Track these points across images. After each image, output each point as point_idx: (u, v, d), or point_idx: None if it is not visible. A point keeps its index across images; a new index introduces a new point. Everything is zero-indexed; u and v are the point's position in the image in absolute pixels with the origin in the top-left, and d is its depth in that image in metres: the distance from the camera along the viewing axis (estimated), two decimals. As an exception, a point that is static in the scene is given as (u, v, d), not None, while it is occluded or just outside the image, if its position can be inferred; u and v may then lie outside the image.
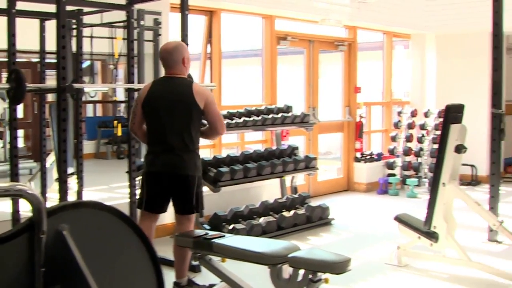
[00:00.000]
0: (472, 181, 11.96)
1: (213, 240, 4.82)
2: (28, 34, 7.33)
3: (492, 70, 7.70)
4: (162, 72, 7.81)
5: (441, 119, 7.16)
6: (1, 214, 6.37)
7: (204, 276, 5.99)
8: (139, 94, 5.71)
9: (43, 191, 7.20)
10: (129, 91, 6.84)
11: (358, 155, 11.53)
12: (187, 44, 6.04)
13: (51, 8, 5.60)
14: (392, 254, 6.81)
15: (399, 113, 12.01)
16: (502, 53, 7.74)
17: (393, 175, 11.46)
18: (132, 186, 6.90)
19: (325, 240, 8.07)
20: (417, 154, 11.69)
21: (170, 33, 8.00)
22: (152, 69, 8.20)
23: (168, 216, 7.67)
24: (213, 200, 7.75)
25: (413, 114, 11.89)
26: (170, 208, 5.86)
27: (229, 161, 8.03)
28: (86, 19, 7.28)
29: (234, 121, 8.01)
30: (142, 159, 7.88)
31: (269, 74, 9.87)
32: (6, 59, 5.86)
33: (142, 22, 7.87)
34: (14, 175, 5.91)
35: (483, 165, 11.24)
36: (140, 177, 7.80)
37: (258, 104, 9.49)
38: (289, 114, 8.83)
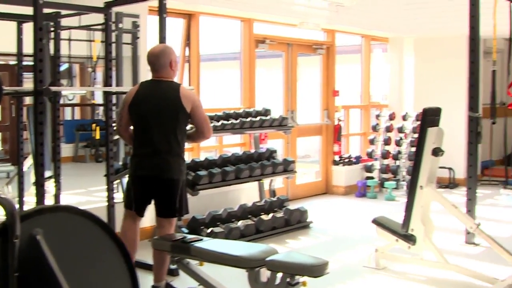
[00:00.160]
0: (450, 183, 12.02)
1: (191, 244, 4.82)
2: (5, 37, 7.30)
3: (469, 74, 7.74)
4: (141, 75, 7.85)
5: (419, 122, 7.19)
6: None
7: (182, 280, 5.97)
8: (126, 96, 5.71)
9: (20, 195, 7.15)
10: (107, 94, 6.81)
11: (337, 158, 11.55)
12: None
13: (29, 10, 5.57)
14: (370, 257, 6.83)
15: (377, 116, 12.05)
16: (479, 56, 7.79)
17: (371, 178, 11.48)
18: (110, 190, 6.86)
19: (304, 243, 8.07)
20: (395, 157, 11.74)
21: (149, 36, 7.98)
22: (131, 72, 8.16)
23: (146, 220, 7.65)
24: (191, 204, 7.65)
25: (391, 117, 11.93)
26: (149, 211, 5.86)
27: (207, 165, 8.02)
28: (64, 21, 7.25)
29: (212, 125, 8.00)
30: (120, 162, 7.90)
31: (247, 77, 9.87)
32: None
33: (120, 25, 7.84)
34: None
35: (460, 168, 11.30)
36: (118, 181, 7.84)
37: (236, 107, 9.48)
38: (268, 117, 8.83)
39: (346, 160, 11.55)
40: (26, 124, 7.70)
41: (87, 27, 7.99)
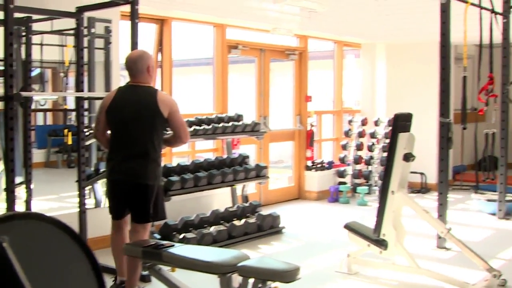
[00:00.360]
0: (422, 188, 12.09)
1: (162, 250, 4.80)
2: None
3: (440, 80, 7.78)
4: (114, 80, 7.81)
5: (391, 128, 7.22)
6: None
7: (154, 286, 5.97)
8: (104, 101, 5.73)
9: (-9, 201, 7.09)
10: (79, 100, 6.78)
11: (309, 163, 11.57)
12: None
13: (-1, 15, 5.54)
14: (342, 262, 6.85)
15: (350, 121, 12.09)
16: (449, 63, 7.83)
17: (344, 183, 11.52)
18: (81, 196, 6.83)
19: (276, 248, 8.07)
20: (368, 163, 11.79)
21: (121, 41, 7.95)
22: (103, 77, 8.13)
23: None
24: (164, 209, 7.71)
25: (364, 122, 11.98)
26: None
27: (179, 170, 8.01)
28: (36, 26, 7.20)
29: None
30: (92, 168, 7.86)
31: (220, 82, 9.87)
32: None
33: (93, 30, 7.80)
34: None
35: (432, 173, 11.37)
36: (89, 186, 7.80)
37: (209, 112, 9.48)
38: (240, 123, 8.84)
39: (319, 165, 11.58)
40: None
41: (59, 32, 7.94)
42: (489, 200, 10.00)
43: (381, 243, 6.48)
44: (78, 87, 6.80)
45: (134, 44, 6.51)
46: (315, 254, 7.74)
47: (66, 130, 8.76)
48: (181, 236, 7.46)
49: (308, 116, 11.64)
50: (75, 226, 6.77)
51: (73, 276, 2.68)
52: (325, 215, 10.25)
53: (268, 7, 9.92)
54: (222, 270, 4.48)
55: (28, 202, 6.75)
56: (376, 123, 11.99)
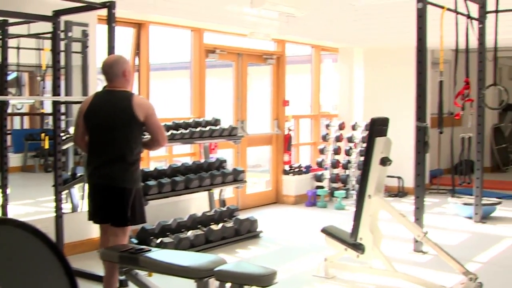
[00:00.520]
0: (399, 192, 12.14)
1: (139, 254, 4.79)
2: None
3: (416, 84, 7.82)
4: (91, 84, 7.79)
5: (368, 132, 7.24)
6: None
7: (131, 291, 5.94)
8: (81, 106, 5.74)
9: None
10: (55, 104, 6.76)
11: (287, 167, 11.59)
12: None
13: (-26, 19, 5.51)
14: (320, 266, 6.86)
15: (327, 126, 12.13)
16: (426, 67, 7.88)
17: (321, 187, 11.55)
18: (58, 200, 6.81)
19: (253, 253, 8.07)
20: (345, 167, 11.82)
21: (98, 45, 7.93)
22: (81, 81, 8.10)
23: (94, 230, 7.61)
24: (141, 214, 7.69)
25: (341, 127, 12.02)
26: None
27: (156, 175, 8.00)
28: (12, 29, 7.16)
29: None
30: (69, 173, 7.83)
31: (197, 87, 9.86)
32: None
33: (70, 34, 7.78)
34: None
35: (409, 177, 11.39)
36: (66, 191, 7.77)
37: (186, 117, 9.47)
38: (217, 127, 8.84)
39: (296, 169, 11.60)
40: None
41: (36, 36, 7.91)
42: (465, 204, 10.06)
43: (358, 247, 6.50)
44: (55, 91, 6.77)
45: (111, 48, 6.50)
46: (293, 258, 7.75)
47: (43, 134, 8.71)
48: (158, 240, 7.44)
49: (285, 121, 11.66)
50: (51, 231, 6.75)
51: (45, 282, 2.65)
52: (302, 219, 10.26)
53: (246, 11, 9.93)
54: (198, 275, 4.48)
55: (4, 207, 6.72)
56: (354, 128, 12.03)
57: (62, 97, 7.09)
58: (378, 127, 6.58)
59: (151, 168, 8.20)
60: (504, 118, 17.95)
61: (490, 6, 9.14)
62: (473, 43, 8.95)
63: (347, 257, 6.70)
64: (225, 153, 10.05)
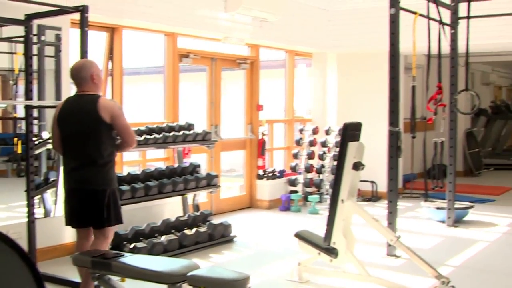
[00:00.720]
0: (373, 197, 12.19)
1: (112, 260, 4.77)
2: None
3: (389, 89, 7.85)
4: (64, 88, 7.76)
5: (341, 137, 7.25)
6: None
7: (104, 296, 5.90)
8: (55, 112, 5.81)
9: None
10: (28, 108, 6.72)
11: (261, 172, 11.59)
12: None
13: None
14: (293, 270, 6.86)
15: (301, 130, 12.14)
16: (399, 72, 7.91)
17: (295, 192, 11.57)
18: (30, 205, 6.76)
19: (227, 257, 8.06)
20: (319, 171, 11.85)
21: (72, 49, 7.89)
22: (54, 85, 8.05)
23: (67, 235, 7.57)
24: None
25: (315, 131, 12.03)
26: (69, 228, 5.84)
27: (130, 179, 7.97)
28: (-16, 33, 7.13)
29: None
30: (42, 177, 7.79)
31: (171, 91, 9.84)
32: None
33: (43, 38, 7.73)
34: None
35: (382, 181, 11.40)
36: (39, 196, 7.73)
37: (160, 121, 9.44)
38: (191, 132, 8.83)
39: (270, 174, 11.60)
40: None
41: (8, 39, 7.86)
42: (438, 208, 10.12)
43: (331, 252, 6.51)
44: (28, 95, 6.74)
45: (83, 52, 6.49)
46: (266, 262, 7.75)
47: (16, 139, 8.66)
48: (132, 245, 7.42)
49: (259, 125, 11.66)
50: (24, 236, 6.71)
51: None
52: (276, 223, 10.27)
53: (220, 16, 9.93)
54: (171, 280, 4.47)
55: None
56: (327, 132, 12.06)
57: (35, 102, 7.05)
58: (350, 132, 6.60)
59: (125, 173, 8.17)
60: (477, 122, 18.11)
61: (462, 12, 9.20)
62: (446, 48, 9.00)
63: (320, 261, 6.71)
64: (199, 157, 10.04)
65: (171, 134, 8.52)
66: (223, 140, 10.89)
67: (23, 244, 6.60)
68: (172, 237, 7.93)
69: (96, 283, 5.82)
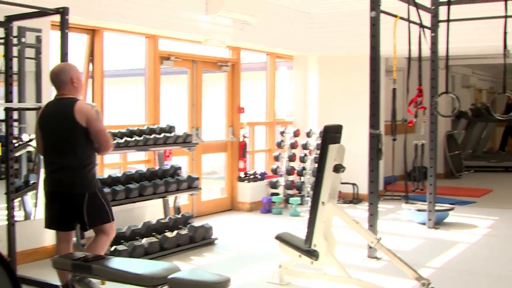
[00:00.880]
0: (354, 199, 12.22)
1: (92, 262, 4.76)
2: None
3: (370, 92, 7.87)
4: (45, 90, 7.72)
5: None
6: None
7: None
8: (37, 116, 5.88)
9: None
10: (8, 110, 6.69)
11: (242, 174, 11.59)
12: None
13: None
14: (274, 272, 6.86)
15: (282, 133, 12.16)
16: (379, 75, 7.93)
17: (276, 194, 11.57)
18: (10, 208, 6.73)
19: (208, 260, 8.05)
20: (300, 174, 11.86)
21: (52, 51, 7.86)
22: (34, 87, 8.02)
23: (48, 238, 7.54)
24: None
25: (296, 134, 12.05)
26: (48, 231, 5.82)
27: (110, 182, 7.95)
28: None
29: (115, 141, 7.92)
30: (22, 180, 7.74)
31: (152, 93, 9.82)
32: None
33: (23, 39, 7.69)
34: None
35: (364, 183, 11.40)
36: (19, 198, 7.68)
37: (140, 124, 9.42)
38: (172, 134, 8.81)
39: (251, 176, 11.60)
40: None
41: (-12, 41, 7.82)
42: (419, 210, 10.16)
43: (312, 254, 6.52)
44: (8, 97, 6.71)
45: (64, 55, 6.47)
46: (247, 265, 7.75)
47: (-5, 141, 8.62)
48: (112, 248, 7.38)
49: (240, 128, 11.66)
50: (4, 239, 6.68)
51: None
52: (257, 226, 10.27)
53: (201, 18, 9.93)
54: (152, 283, 4.46)
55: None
56: (308, 135, 12.08)
57: (15, 104, 7.02)
58: (331, 134, 6.61)
59: (105, 176, 8.15)
60: (457, 125, 18.21)
61: (442, 15, 9.24)
62: (426, 51, 9.03)
63: (301, 263, 6.71)
64: (180, 160, 10.02)
65: (152, 136, 8.51)
66: (204, 142, 10.88)
67: (3, 247, 6.57)
68: (153, 239, 7.91)
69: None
